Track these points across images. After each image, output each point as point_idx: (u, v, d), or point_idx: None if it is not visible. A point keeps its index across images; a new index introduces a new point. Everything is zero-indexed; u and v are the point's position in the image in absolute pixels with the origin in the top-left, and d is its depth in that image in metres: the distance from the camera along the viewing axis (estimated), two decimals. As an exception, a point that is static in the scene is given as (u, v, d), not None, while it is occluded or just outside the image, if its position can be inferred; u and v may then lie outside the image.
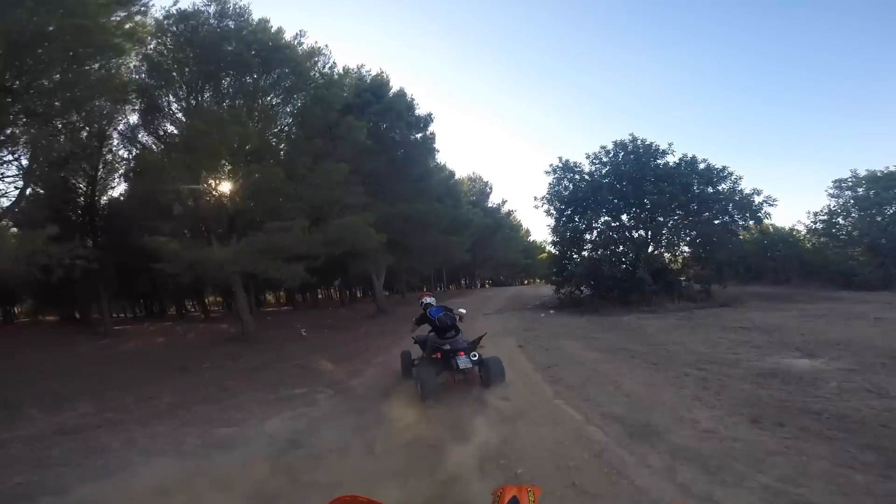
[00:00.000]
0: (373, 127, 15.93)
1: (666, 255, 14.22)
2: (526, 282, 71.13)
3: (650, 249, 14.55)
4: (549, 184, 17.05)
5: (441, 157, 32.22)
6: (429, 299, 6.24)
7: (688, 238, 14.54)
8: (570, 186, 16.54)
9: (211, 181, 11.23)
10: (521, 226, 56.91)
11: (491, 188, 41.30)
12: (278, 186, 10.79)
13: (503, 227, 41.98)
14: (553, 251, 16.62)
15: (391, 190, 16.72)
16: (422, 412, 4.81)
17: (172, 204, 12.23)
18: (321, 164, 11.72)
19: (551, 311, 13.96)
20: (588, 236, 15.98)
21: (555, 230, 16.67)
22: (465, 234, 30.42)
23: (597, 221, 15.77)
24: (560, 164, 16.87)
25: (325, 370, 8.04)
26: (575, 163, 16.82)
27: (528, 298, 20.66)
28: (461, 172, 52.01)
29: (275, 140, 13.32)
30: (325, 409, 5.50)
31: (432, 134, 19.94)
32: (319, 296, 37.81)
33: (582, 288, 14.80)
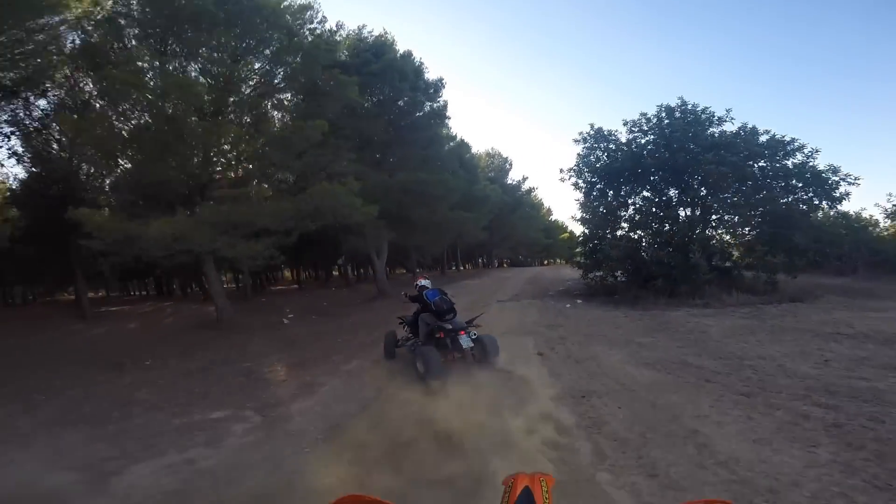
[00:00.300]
0: (372, 89, 13.58)
1: (725, 237, 11.52)
2: (546, 262, 68.41)
3: (702, 230, 11.89)
4: (579, 154, 14.41)
5: (457, 132, 29.48)
6: (424, 281, 6.25)
7: (751, 218, 11.73)
8: (604, 157, 13.89)
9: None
10: (542, 204, 53.92)
11: (511, 164, 38.36)
12: (245, 149, 8.69)
13: (523, 204, 39.22)
14: (582, 230, 14.07)
15: (393, 159, 14.46)
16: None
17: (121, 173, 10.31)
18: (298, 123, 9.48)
19: (578, 301, 11.63)
20: (624, 213, 13.39)
21: (584, 206, 14.11)
22: (482, 210, 28.01)
23: (636, 196, 13.15)
24: (591, 132, 14.18)
25: (273, 380, 6.04)
26: (609, 131, 14.10)
27: (549, 282, 18.31)
28: (479, 148, 49.06)
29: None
30: (225, 456, 3.51)
31: (444, 102, 17.57)
32: (336, 273, 36.20)
33: (617, 273, 12.34)
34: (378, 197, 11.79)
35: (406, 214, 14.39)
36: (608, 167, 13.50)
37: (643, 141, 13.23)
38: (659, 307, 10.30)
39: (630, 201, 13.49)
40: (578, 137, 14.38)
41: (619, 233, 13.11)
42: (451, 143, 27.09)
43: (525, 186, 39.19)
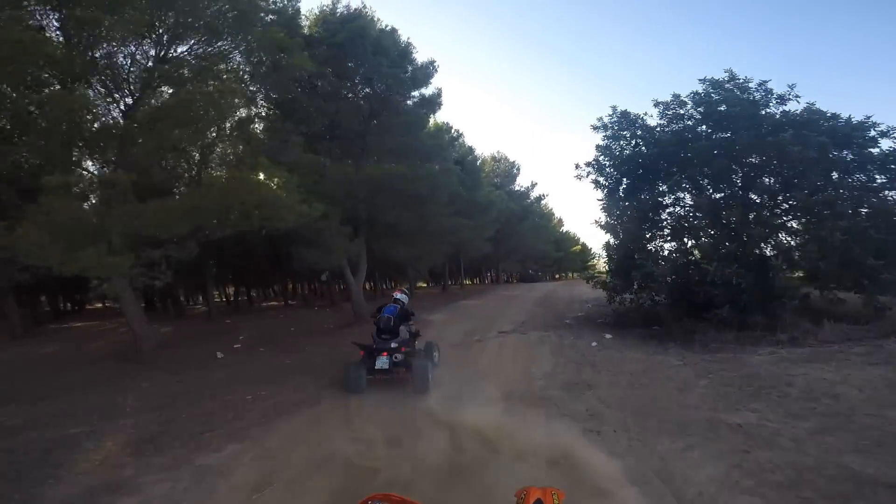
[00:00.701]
0: (338, 63, 10.83)
1: (809, 250, 8.22)
2: (557, 276, 64.90)
3: (773, 237, 8.76)
4: (599, 146, 11.38)
5: (456, 128, 26.61)
6: (399, 295, 6.21)
7: (837, 227, 8.47)
8: (631, 146, 10.90)
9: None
10: (553, 214, 50.82)
11: (518, 169, 35.48)
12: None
13: (532, 213, 36.17)
14: (607, 240, 10.92)
15: (365, 150, 11.66)
16: None
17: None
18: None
19: (607, 336, 8.50)
20: (663, 216, 10.32)
21: (609, 208, 11.06)
22: (485, 219, 25.08)
23: (680, 193, 10.10)
24: (615, 117, 11.19)
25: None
26: (637, 115, 11.12)
27: (563, 303, 15.20)
28: (484, 152, 46.49)
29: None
30: None
31: (438, 91, 14.67)
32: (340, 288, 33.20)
33: (658, 296, 9.19)
34: (340, 195, 9.01)
35: (383, 219, 11.51)
36: (638, 158, 10.50)
37: (682, 126, 10.23)
38: (727, 346, 7.17)
39: (670, 201, 10.44)
40: (598, 124, 11.41)
41: (660, 242, 10.03)
42: (447, 137, 24.43)
43: (534, 193, 36.20)
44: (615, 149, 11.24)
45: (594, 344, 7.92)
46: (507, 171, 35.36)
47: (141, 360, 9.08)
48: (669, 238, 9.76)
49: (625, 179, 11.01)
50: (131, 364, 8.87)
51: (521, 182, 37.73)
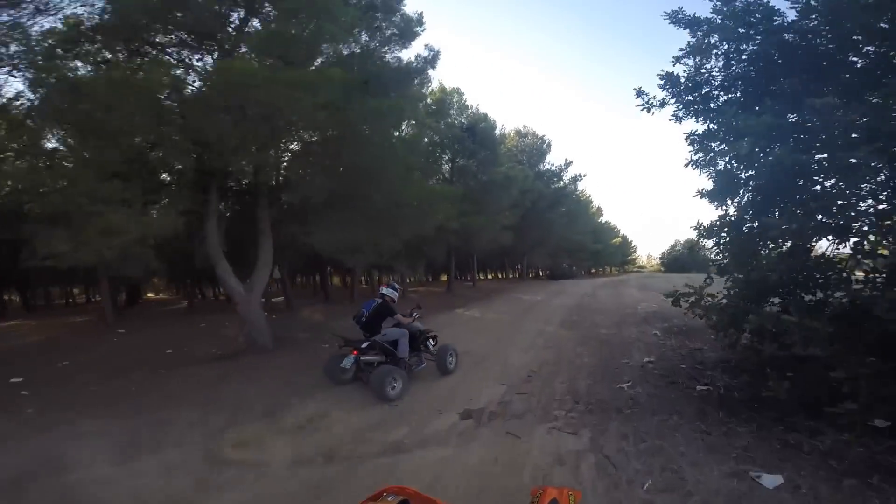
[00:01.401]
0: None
1: None
2: (594, 271, 58.05)
3: None
4: (688, 65, 5.67)
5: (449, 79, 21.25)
6: (385, 289, 5.67)
7: None
8: (751, 53, 5.24)
9: None
10: (591, 201, 44.23)
11: (549, 145, 29.47)
12: None
13: (565, 197, 30.24)
14: (717, 216, 5.25)
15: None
16: None
17: None
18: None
19: (759, 477, 3.17)
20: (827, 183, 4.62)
21: (711, 160, 5.46)
22: (502, 200, 19.72)
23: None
24: (724, 9, 5.46)
25: None
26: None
27: (608, 322, 9.76)
28: (506, 126, 40.65)
29: None
30: None
31: (436, 52, 10.42)
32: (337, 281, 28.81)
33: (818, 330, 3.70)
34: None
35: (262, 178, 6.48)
36: (774, 71, 4.86)
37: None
38: None
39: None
40: (687, 17, 5.70)
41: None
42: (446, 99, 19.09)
43: (568, 175, 30.13)
44: (720, 58, 5.57)
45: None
46: (535, 147, 29.45)
47: None
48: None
49: (747, 103, 5.36)
50: None
51: (553, 160, 31.79)
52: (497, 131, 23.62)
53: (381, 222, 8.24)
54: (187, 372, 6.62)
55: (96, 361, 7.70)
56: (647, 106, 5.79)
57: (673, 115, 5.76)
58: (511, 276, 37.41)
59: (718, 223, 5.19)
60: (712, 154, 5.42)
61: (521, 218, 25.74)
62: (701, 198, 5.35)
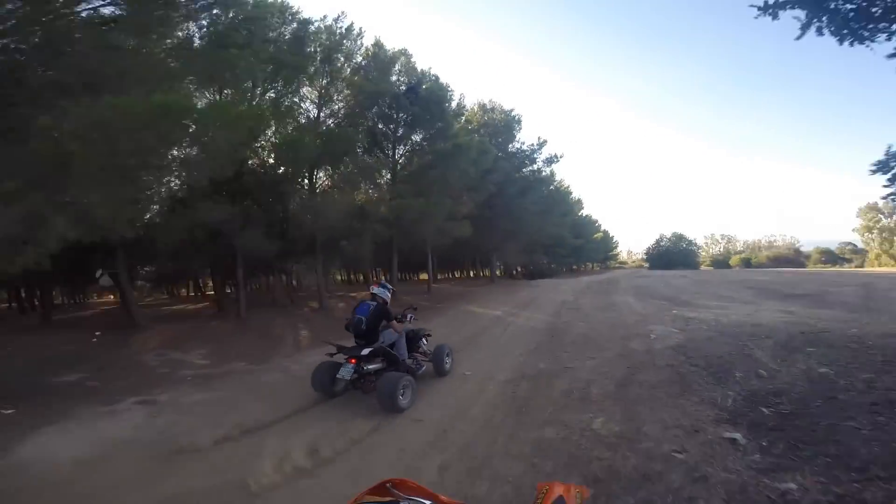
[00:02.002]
0: None
1: None
2: (574, 267, 53.82)
3: None
4: None
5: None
6: (377, 289, 5.08)
7: None
8: None
9: None
10: (570, 192, 39.84)
11: (519, 121, 24.65)
12: None
13: (540, 182, 25.59)
14: None
15: None
16: None
17: None
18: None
19: None
20: None
21: None
22: (447, 178, 14.85)
23: None
24: None
25: None
26: None
27: (613, 364, 5.07)
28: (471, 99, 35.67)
29: None
30: None
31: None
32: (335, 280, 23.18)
33: None
34: None
35: None
36: None
37: None
38: None
39: None
40: None
41: None
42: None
43: (542, 154, 25.43)
44: None
45: None
46: (504, 123, 24.56)
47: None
48: None
49: None
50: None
51: (525, 139, 27.08)
52: (455, 103, 18.79)
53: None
54: None
55: None
56: None
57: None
58: (483, 275, 32.54)
59: None
60: None
61: (485, 206, 20.99)
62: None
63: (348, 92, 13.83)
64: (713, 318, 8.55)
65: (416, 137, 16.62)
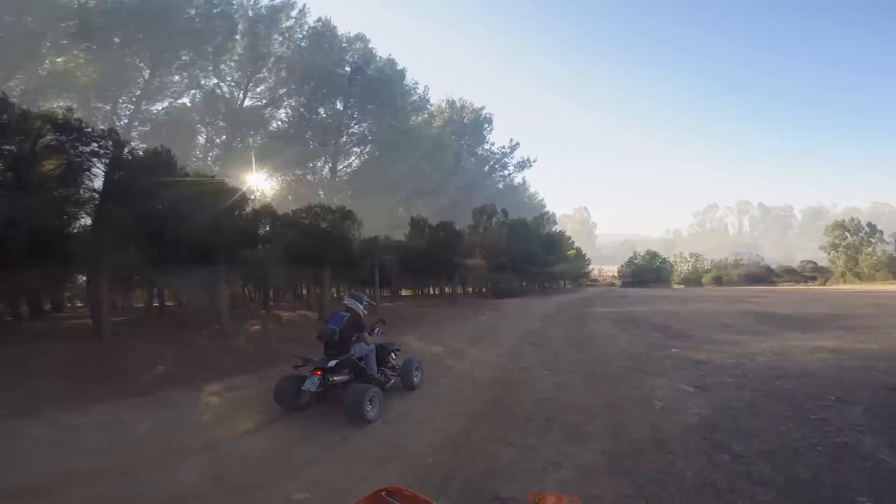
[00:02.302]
0: None
1: None
2: (546, 285, 51.50)
3: None
4: None
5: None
6: (349, 301, 4.94)
7: None
8: None
9: None
10: (544, 205, 37.77)
11: (489, 121, 22.42)
12: None
13: (512, 190, 23.27)
14: None
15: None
16: None
17: None
18: None
19: None
20: None
21: None
22: (390, 173, 12.13)
23: None
24: None
25: None
26: None
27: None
28: (438, 97, 33.25)
29: None
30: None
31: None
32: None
33: None
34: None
35: None
36: None
37: None
38: None
39: None
40: None
41: None
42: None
43: (514, 159, 23.18)
44: None
45: None
46: (473, 123, 22.19)
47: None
48: None
49: None
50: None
51: (496, 140, 24.88)
52: (418, 95, 16.27)
53: None
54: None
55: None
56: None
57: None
58: (445, 292, 29.51)
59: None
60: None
61: (447, 210, 18.35)
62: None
63: (281, 71, 11.00)
64: (733, 361, 5.99)
65: (358, 128, 13.96)
